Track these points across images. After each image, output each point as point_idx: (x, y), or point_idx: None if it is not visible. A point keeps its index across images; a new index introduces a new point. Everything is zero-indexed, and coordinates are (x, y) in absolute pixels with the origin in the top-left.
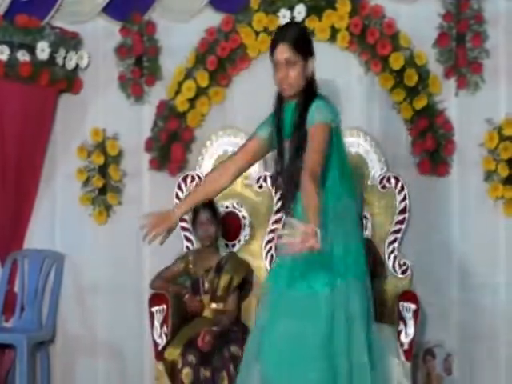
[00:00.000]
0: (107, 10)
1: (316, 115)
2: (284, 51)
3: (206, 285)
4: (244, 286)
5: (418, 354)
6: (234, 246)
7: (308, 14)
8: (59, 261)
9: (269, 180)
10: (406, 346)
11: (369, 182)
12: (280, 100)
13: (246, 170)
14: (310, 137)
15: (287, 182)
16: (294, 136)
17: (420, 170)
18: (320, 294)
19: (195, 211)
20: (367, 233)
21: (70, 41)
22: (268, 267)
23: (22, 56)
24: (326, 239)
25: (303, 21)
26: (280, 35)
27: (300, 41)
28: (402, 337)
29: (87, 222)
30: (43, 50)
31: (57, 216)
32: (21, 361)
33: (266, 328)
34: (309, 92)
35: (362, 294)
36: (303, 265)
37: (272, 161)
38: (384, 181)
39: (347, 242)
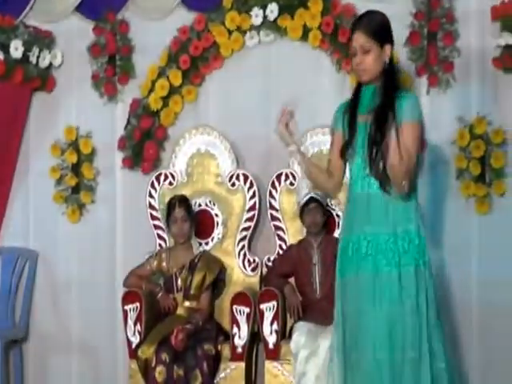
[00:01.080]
0: (80, 8)
1: (411, 111)
2: (358, 38)
3: (180, 283)
4: (217, 284)
5: None
6: (206, 244)
7: (280, 13)
8: (33, 259)
9: (241, 178)
10: None
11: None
12: (359, 86)
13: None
14: (407, 134)
15: (370, 149)
16: (377, 113)
17: None
18: (384, 275)
19: (169, 208)
20: (338, 231)
21: (44, 39)
22: (241, 265)
23: None
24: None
25: (275, 20)
26: (355, 23)
27: (375, 28)
28: None
29: (61, 220)
30: (17, 49)
31: (30, 214)
32: None
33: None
34: (390, 76)
35: (426, 283)
36: (369, 244)
37: (244, 159)
38: None
39: (415, 229)
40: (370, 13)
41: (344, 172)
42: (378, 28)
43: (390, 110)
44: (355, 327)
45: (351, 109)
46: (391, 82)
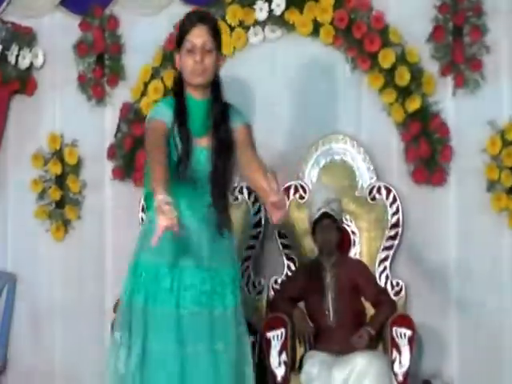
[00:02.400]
0: (65, 2)
1: (243, 117)
2: (203, 34)
3: None
4: None
5: None
6: None
7: (288, 6)
8: (11, 282)
9: (245, 191)
10: (400, 377)
11: (356, 193)
12: (181, 93)
13: None
14: (247, 138)
15: (217, 180)
16: (218, 135)
17: (414, 179)
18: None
19: None
20: (356, 250)
21: (24, 37)
22: (245, 288)
23: None
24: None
25: (282, 14)
26: (198, 17)
27: (217, 30)
28: (396, 367)
29: (43, 238)
30: None
31: (9, 232)
32: None
33: None
34: (219, 89)
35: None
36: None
37: None
38: (374, 192)
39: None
40: (209, 13)
41: None
42: (219, 32)
43: (229, 134)
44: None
45: (183, 124)
46: (222, 99)
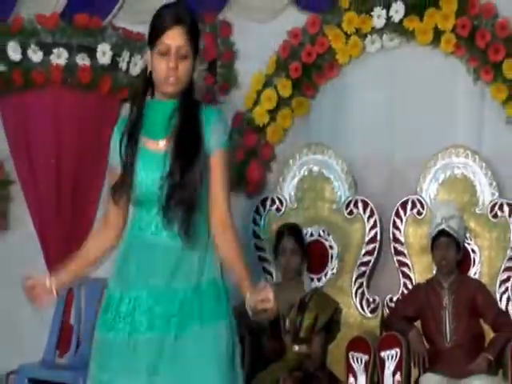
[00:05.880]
0: None
1: (222, 136)
2: (178, 36)
3: (288, 324)
4: (330, 326)
5: None
6: (319, 280)
7: (407, 13)
8: None
9: (360, 205)
10: None
11: (477, 210)
12: (144, 94)
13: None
14: (218, 165)
15: (179, 201)
16: (179, 135)
17: None
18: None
19: (278, 238)
20: (475, 269)
21: (135, 43)
22: (359, 306)
23: (82, 60)
24: None
25: (401, 21)
26: (174, 16)
27: (195, 29)
28: None
29: None
30: (104, 54)
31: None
32: None
33: None
34: (190, 93)
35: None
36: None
37: (363, 183)
38: (496, 208)
39: None
40: (183, 6)
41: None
42: (198, 33)
43: (196, 132)
44: None
45: (132, 128)
46: (193, 99)
